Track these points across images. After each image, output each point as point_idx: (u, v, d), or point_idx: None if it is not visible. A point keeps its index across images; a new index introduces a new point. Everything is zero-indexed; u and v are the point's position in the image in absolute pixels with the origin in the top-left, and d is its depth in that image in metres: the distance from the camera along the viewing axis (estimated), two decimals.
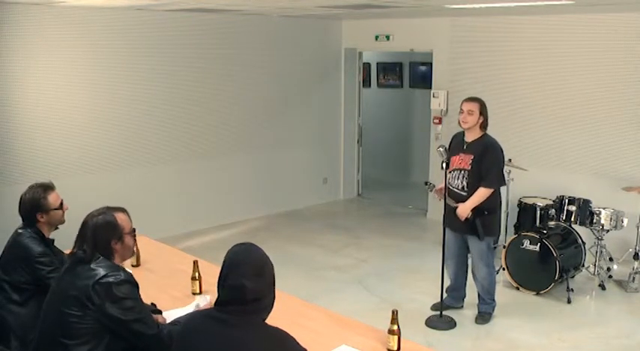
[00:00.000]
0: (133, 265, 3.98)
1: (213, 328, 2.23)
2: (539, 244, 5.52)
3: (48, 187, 3.50)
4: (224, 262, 2.29)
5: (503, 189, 5.28)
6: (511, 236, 5.86)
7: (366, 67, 10.17)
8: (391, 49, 9.03)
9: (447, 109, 7.81)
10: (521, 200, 6.31)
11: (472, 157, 4.79)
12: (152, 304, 3.10)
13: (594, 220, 5.76)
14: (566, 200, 5.90)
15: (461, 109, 4.84)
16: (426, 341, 4.68)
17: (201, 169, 7.64)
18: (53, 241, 3.54)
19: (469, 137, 4.88)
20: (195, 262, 3.62)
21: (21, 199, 3.48)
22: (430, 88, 8.05)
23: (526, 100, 7.12)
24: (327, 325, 3.19)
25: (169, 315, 3.06)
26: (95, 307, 2.55)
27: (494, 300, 5.12)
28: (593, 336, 4.90)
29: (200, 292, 3.58)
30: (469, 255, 5.13)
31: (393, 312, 2.92)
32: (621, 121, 6.47)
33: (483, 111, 4.81)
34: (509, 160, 6.22)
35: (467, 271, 5.24)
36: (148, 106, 7.04)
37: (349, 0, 5.80)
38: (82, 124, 6.55)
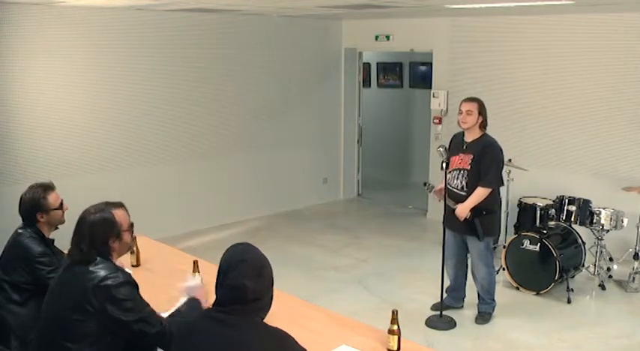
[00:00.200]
0: (133, 265, 3.98)
1: (212, 328, 2.23)
2: (539, 244, 5.52)
3: (48, 187, 3.50)
4: (222, 262, 2.29)
5: (503, 189, 5.27)
6: (511, 236, 5.86)
7: (366, 67, 10.17)
8: (391, 49, 9.03)
9: (447, 109, 7.81)
10: (521, 200, 6.32)
11: (472, 157, 4.80)
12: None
13: (594, 220, 5.76)
14: (566, 200, 5.90)
15: (460, 109, 4.85)
16: (426, 341, 4.68)
17: (201, 169, 7.64)
18: (53, 241, 3.54)
19: (469, 137, 4.88)
20: (195, 262, 3.62)
21: (21, 199, 3.48)
22: (430, 88, 8.05)
23: (526, 100, 7.12)
24: (327, 325, 3.19)
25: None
26: (96, 310, 2.54)
27: (494, 300, 5.12)
28: (593, 336, 4.90)
29: None
30: (469, 255, 5.13)
31: (393, 312, 2.92)
32: (621, 121, 6.47)
33: (482, 111, 4.82)
34: (509, 160, 6.22)
35: (467, 271, 5.24)
36: (148, 106, 7.04)
37: (349, 0, 5.80)
38: (82, 124, 6.55)
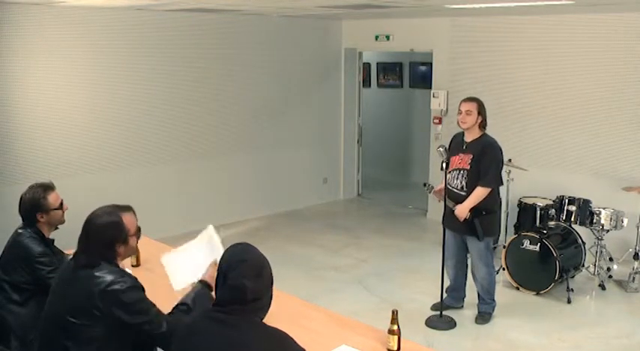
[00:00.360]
0: (133, 265, 3.98)
1: (212, 329, 2.23)
2: (539, 244, 5.52)
3: (48, 187, 3.50)
4: (221, 262, 2.29)
5: (503, 189, 5.27)
6: (511, 236, 5.86)
7: (366, 67, 10.17)
8: (391, 49, 9.03)
9: (447, 109, 7.81)
10: (521, 200, 6.32)
11: (471, 157, 4.80)
12: None
13: (594, 220, 5.76)
14: (566, 200, 5.90)
15: (459, 109, 4.85)
16: (426, 341, 4.68)
17: (201, 169, 7.64)
18: (53, 241, 3.54)
19: (468, 137, 4.88)
20: None
21: (21, 199, 3.48)
22: (430, 88, 8.05)
23: (526, 100, 7.12)
24: (327, 325, 3.19)
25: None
26: (103, 314, 2.52)
27: (494, 300, 5.12)
28: (593, 336, 4.90)
29: None
30: (469, 255, 5.13)
31: (393, 312, 2.92)
32: (621, 121, 6.47)
33: (482, 111, 4.82)
34: (509, 160, 6.22)
35: (467, 272, 5.24)
36: (148, 106, 7.04)
37: (349, 0, 5.80)
38: (82, 124, 6.55)
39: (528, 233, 5.63)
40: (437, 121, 7.98)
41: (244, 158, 8.05)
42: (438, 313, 5.04)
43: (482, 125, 4.85)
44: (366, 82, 10.24)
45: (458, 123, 4.87)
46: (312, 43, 8.58)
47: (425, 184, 5.27)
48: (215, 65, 7.55)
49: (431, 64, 8.16)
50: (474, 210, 4.76)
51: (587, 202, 5.84)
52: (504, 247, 5.83)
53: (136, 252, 2.94)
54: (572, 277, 5.73)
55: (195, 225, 7.40)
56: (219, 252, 2.85)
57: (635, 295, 5.70)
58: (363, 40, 8.74)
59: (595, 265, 5.94)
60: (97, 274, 2.58)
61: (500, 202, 5.13)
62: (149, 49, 6.94)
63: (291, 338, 2.28)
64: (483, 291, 5.08)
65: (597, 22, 6.47)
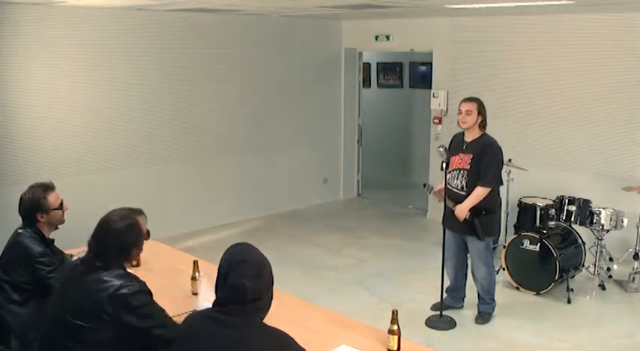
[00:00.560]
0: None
1: (212, 329, 2.23)
2: (539, 244, 5.52)
3: (48, 187, 3.50)
4: (222, 262, 2.29)
5: (503, 189, 5.27)
6: (511, 236, 5.86)
7: (366, 67, 10.17)
8: (391, 49, 9.03)
9: (447, 109, 7.81)
10: (521, 200, 6.32)
11: (471, 157, 4.80)
12: None
13: (594, 220, 5.76)
14: (566, 200, 5.90)
15: (459, 109, 4.85)
16: (426, 341, 4.68)
17: (202, 169, 7.64)
18: (53, 241, 3.54)
19: (468, 137, 4.88)
20: (195, 262, 3.63)
21: (21, 199, 3.48)
22: (430, 88, 8.05)
23: (526, 100, 7.12)
24: (327, 325, 3.19)
25: None
26: (112, 318, 2.51)
27: (494, 300, 5.12)
28: (593, 336, 4.90)
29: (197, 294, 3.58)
30: (469, 255, 5.13)
31: (393, 312, 2.92)
32: (621, 121, 6.47)
33: (482, 111, 4.82)
34: (509, 160, 6.22)
35: (467, 272, 5.24)
36: (148, 106, 7.04)
37: (349, 0, 5.80)
38: (82, 124, 6.55)
39: (528, 233, 5.63)
40: (437, 121, 7.98)
41: (244, 158, 8.04)
42: (438, 313, 5.03)
43: (483, 125, 4.85)
44: (366, 82, 10.23)
45: (458, 123, 4.87)
46: (312, 43, 8.58)
47: (425, 185, 5.27)
48: (215, 65, 7.55)
49: (431, 64, 8.16)
50: (473, 210, 4.76)
51: (587, 202, 5.84)
52: (504, 247, 5.83)
53: (139, 262, 2.94)
54: (572, 277, 5.73)
55: (195, 225, 7.52)
56: None
57: (635, 295, 5.70)
58: (363, 40, 8.74)
59: (595, 265, 5.94)
60: (105, 278, 2.57)
61: (500, 202, 5.13)
62: (149, 49, 6.94)
63: (292, 338, 2.28)
64: (483, 291, 5.08)
65: (597, 22, 6.47)
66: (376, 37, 8.53)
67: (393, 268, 6.38)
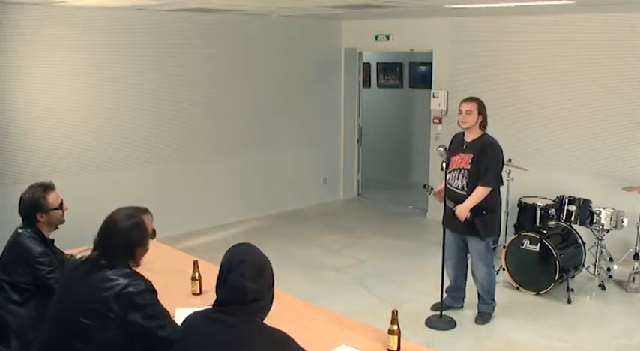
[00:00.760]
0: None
1: (212, 329, 2.23)
2: (539, 244, 5.52)
3: (48, 187, 3.49)
4: (222, 262, 2.29)
5: (503, 189, 5.27)
6: (511, 236, 5.86)
7: (366, 67, 10.17)
8: (391, 49, 9.03)
9: (447, 109, 7.81)
10: (521, 200, 6.31)
11: (472, 157, 4.79)
12: None
13: (594, 220, 5.76)
14: (566, 200, 5.90)
15: (459, 109, 4.85)
16: (426, 341, 4.68)
17: (201, 169, 7.64)
18: (53, 241, 3.54)
19: (469, 137, 4.88)
20: (195, 262, 3.62)
21: (21, 198, 3.48)
22: (430, 88, 8.05)
23: (526, 100, 7.12)
24: (327, 325, 3.19)
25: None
26: (118, 317, 2.50)
27: (494, 300, 5.12)
28: (593, 336, 4.90)
29: (200, 293, 3.58)
30: (469, 255, 5.13)
31: (393, 312, 2.92)
32: (621, 121, 6.47)
33: (482, 110, 4.82)
34: (509, 160, 6.22)
35: (467, 272, 5.24)
36: (148, 106, 7.04)
37: (349, 0, 5.80)
38: (82, 124, 6.55)
39: (528, 233, 5.63)
40: (437, 121, 7.98)
41: (244, 158, 8.05)
42: (438, 313, 5.03)
43: (483, 125, 4.85)
44: (366, 82, 10.23)
45: (458, 123, 4.87)
46: (312, 43, 8.58)
47: (425, 186, 5.27)
48: (215, 65, 7.55)
49: (431, 64, 8.16)
50: (474, 210, 4.76)
51: (587, 202, 5.84)
52: (504, 247, 5.83)
53: (146, 252, 2.91)
54: (572, 277, 5.73)
55: (195, 225, 7.52)
56: None
57: (635, 295, 5.70)
58: (363, 40, 8.74)
59: (595, 265, 5.94)
60: (112, 276, 2.56)
61: (500, 201, 5.13)
62: (149, 49, 6.94)
63: (292, 339, 2.27)
64: (483, 291, 5.08)
65: (597, 22, 6.47)
66: (376, 37, 8.53)
67: (393, 268, 6.38)
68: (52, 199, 3.45)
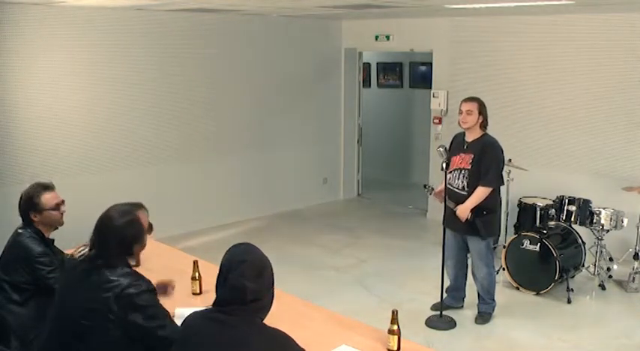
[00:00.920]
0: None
1: (212, 329, 2.23)
2: (539, 244, 5.52)
3: (45, 187, 3.47)
4: (223, 262, 2.29)
5: (503, 189, 5.27)
6: (511, 236, 5.86)
7: (366, 67, 10.17)
8: (391, 49, 9.03)
9: (447, 109, 7.81)
10: (521, 200, 6.31)
11: (472, 157, 4.79)
12: None
13: (594, 220, 5.76)
14: (566, 200, 5.90)
15: (460, 109, 4.85)
16: (426, 341, 4.68)
17: (202, 169, 7.64)
18: (53, 241, 3.53)
19: (469, 137, 4.88)
20: (195, 262, 3.62)
21: (20, 197, 3.48)
22: (430, 88, 8.05)
23: (526, 100, 7.12)
24: (327, 325, 3.19)
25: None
26: (118, 318, 2.49)
27: (494, 300, 5.12)
28: (593, 336, 4.90)
29: (200, 293, 3.58)
30: (469, 255, 5.13)
31: (393, 312, 2.92)
32: (621, 121, 6.47)
33: (482, 110, 4.82)
34: (509, 160, 6.22)
35: (467, 272, 5.24)
36: (148, 106, 7.04)
37: (349, 0, 5.80)
38: (82, 124, 6.55)
39: (528, 233, 5.63)
40: (437, 121, 7.98)
41: (244, 158, 8.05)
42: (438, 313, 5.03)
43: (484, 125, 4.85)
44: (366, 82, 10.23)
45: (459, 123, 4.87)
46: (312, 43, 8.58)
47: (425, 186, 5.27)
48: (215, 65, 7.55)
49: (431, 64, 8.16)
50: (475, 210, 4.76)
51: (587, 202, 5.84)
52: (504, 247, 5.83)
53: (144, 248, 2.89)
54: (572, 277, 5.73)
55: (195, 225, 7.51)
56: None
57: (635, 295, 5.70)
58: (363, 40, 8.74)
59: (595, 265, 5.94)
60: (111, 277, 2.54)
61: (500, 201, 5.13)
62: (149, 49, 6.94)
63: (292, 339, 2.27)
64: (483, 291, 5.08)
65: (597, 22, 6.47)
66: (376, 37, 8.53)
67: (393, 268, 6.38)
68: (45, 199, 3.42)
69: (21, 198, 3.47)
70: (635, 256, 5.82)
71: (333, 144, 9.11)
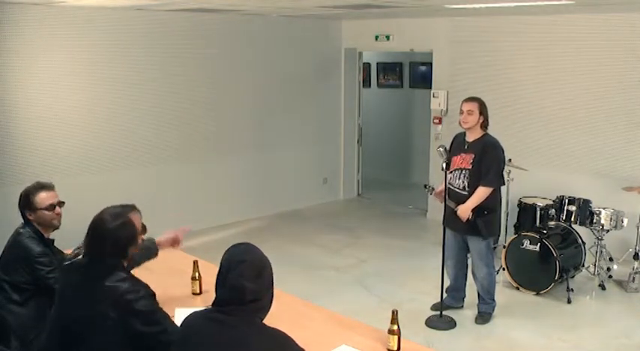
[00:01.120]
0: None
1: (211, 329, 2.23)
2: (539, 244, 5.52)
3: (42, 187, 3.46)
4: (222, 262, 2.28)
5: (503, 189, 5.27)
6: (511, 236, 5.86)
7: (366, 67, 10.17)
8: (391, 49, 9.03)
9: (447, 109, 7.81)
10: (521, 200, 6.31)
11: (473, 157, 4.79)
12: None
13: (594, 220, 5.76)
14: (566, 200, 5.90)
15: (461, 109, 4.85)
16: (426, 341, 4.68)
17: (202, 169, 7.64)
18: (53, 241, 3.53)
19: (470, 137, 4.88)
20: (195, 262, 3.62)
21: (19, 195, 3.48)
22: (430, 88, 8.05)
23: (526, 100, 7.12)
24: (327, 325, 3.19)
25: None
26: (117, 324, 2.47)
27: (494, 300, 5.12)
28: (593, 336, 4.90)
29: (200, 293, 3.58)
30: (469, 255, 5.13)
31: (393, 312, 2.92)
32: (621, 121, 6.47)
33: (483, 110, 4.82)
34: (509, 160, 6.21)
35: (467, 272, 5.24)
36: (148, 106, 7.04)
37: (349, 0, 5.80)
38: (82, 124, 6.55)
39: (528, 233, 5.63)
40: (437, 121, 7.98)
41: (244, 158, 8.05)
42: (438, 313, 5.03)
43: (484, 125, 4.85)
44: (366, 82, 10.23)
45: (460, 123, 4.87)
46: (312, 43, 8.58)
47: (426, 186, 5.26)
48: (215, 65, 7.55)
49: (431, 64, 8.16)
50: (476, 210, 4.76)
51: (587, 202, 5.83)
52: (504, 247, 5.83)
53: (139, 250, 2.87)
54: (572, 277, 5.73)
55: (195, 225, 7.45)
56: None
57: (635, 295, 5.70)
58: (363, 40, 8.73)
59: (595, 265, 5.94)
60: (109, 284, 2.52)
61: (500, 201, 5.13)
62: (149, 49, 6.94)
63: (291, 339, 2.27)
64: (483, 291, 5.08)
65: (597, 22, 6.47)
66: (376, 37, 8.53)
67: (393, 268, 6.38)
68: (40, 198, 3.41)
69: (20, 196, 3.47)
70: (635, 256, 5.82)
71: (333, 144, 9.11)
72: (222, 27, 7.53)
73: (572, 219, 5.83)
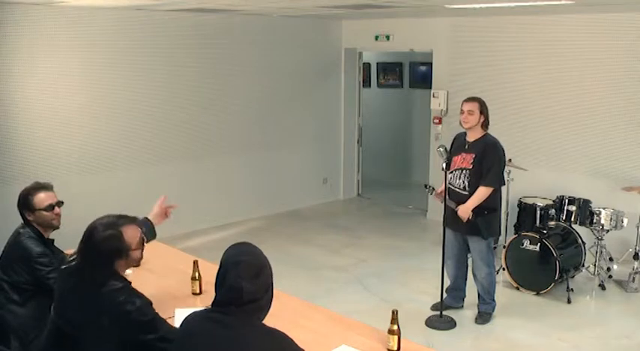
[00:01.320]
0: (132, 265, 3.97)
1: (210, 329, 2.22)
2: (539, 244, 5.52)
3: (40, 187, 3.46)
4: (222, 262, 2.28)
5: (503, 189, 5.27)
6: (511, 236, 5.86)
7: (366, 67, 10.17)
8: (391, 49, 9.03)
9: (447, 109, 7.81)
10: (521, 200, 6.31)
11: (474, 157, 4.79)
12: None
13: (594, 220, 5.76)
14: (566, 200, 5.90)
15: (461, 109, 4.85)
16: (426, 341, 4.68)
17: (202, 169, 7.64)
18: (53, 241, 3.53)
19: (471, 137, 4.88)
20: (195, 262, 3.62)
21: (18, 195, 3.48)
22: (430, 88, 8.05)
23: (526, 100, 7.11)
24: (327, 325, 3.19)
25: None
26: (114, 333, 2.47)
27: (494, 300, 5.12)
28: (593, 336, 4.90)
29: (200, 293, 3.58)
30: (469, 255, 5.13)
31: (393, 312, 2.92)
32: (621, 121, 6.47)
33: (484, 110, 4.82)
34: (509, 160, 6.21)
35: (467, 271, 5.24)
36: (148, 106, 7.04)
37: (349, 0, 5.80)
38: (82, 124, 6.55)
39: (528, 233, 5.63)
40: (437, 121, 7.98)
41: (244, 158, 8.05)
42: (438, 313, 5.03)
43: (485, 125, 4.85)
44: (366, 82, 10.23)
45: (460, 123, 4.87)
46: (312, 43, 8.58)
47: (426, 186, 5.26)
48: (215, 65, 7.55)
49: (431, 64, 8.16)
50: (476, 209, 4.76)
51: (587, 202, 5.84)
52: (504, 247, 5.83)
53: (139, 263, 2.80)
54: (572, 277, 5.73)
55: (195, 225, 7.50)
56: None
57: (635, 295, 5.70)
58: (363, 40, 8.73)
59: (595, 265, 5.94)
60: (104, 292, 2.49)
61: (501, 201, 5.13)
62: (149, 49, 6.94)
63: (290, 339, 2.26)
64: (483, 291, 5.08)
65: (597, 22, 6.47)
66: (376, 37, 8.52)
67: (393, 268, 6.38)
68: (39, 199, 3.41)
69: (19, 197, 3.47)
70: (635, 256, 5.82)
71: (333, 144, 9.11)
72: (222, 27, 7.53)
73: (572, 219, 5.83)
